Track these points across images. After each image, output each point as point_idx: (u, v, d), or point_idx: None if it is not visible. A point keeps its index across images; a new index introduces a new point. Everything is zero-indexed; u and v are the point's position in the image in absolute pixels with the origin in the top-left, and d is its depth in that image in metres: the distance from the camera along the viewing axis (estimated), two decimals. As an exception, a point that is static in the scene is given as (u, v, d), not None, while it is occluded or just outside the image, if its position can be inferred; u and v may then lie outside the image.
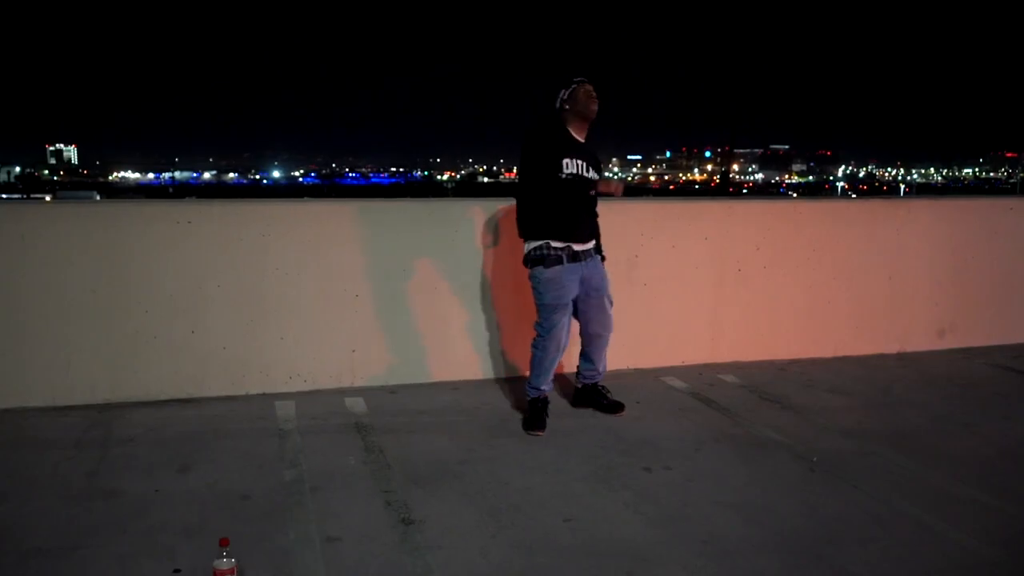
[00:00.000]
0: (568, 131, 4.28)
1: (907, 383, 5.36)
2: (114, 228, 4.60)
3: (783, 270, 5.72)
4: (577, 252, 4.26)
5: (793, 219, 5.76)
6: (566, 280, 4.24)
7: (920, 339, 6.17)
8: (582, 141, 4.30)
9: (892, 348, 6.09)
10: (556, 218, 4.21)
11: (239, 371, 4.81)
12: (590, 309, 4.42)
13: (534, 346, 4.40)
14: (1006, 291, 6.42)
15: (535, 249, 4.25)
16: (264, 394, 4.81)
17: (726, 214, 5.64)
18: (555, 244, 4.21)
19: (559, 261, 4.21)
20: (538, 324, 4.36)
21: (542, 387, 4.43)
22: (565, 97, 4.26)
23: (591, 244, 4.36)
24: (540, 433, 4.29)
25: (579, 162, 4.22)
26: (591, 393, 4.70)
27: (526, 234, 4.29)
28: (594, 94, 4.25)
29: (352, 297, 4.94)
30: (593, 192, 4.31)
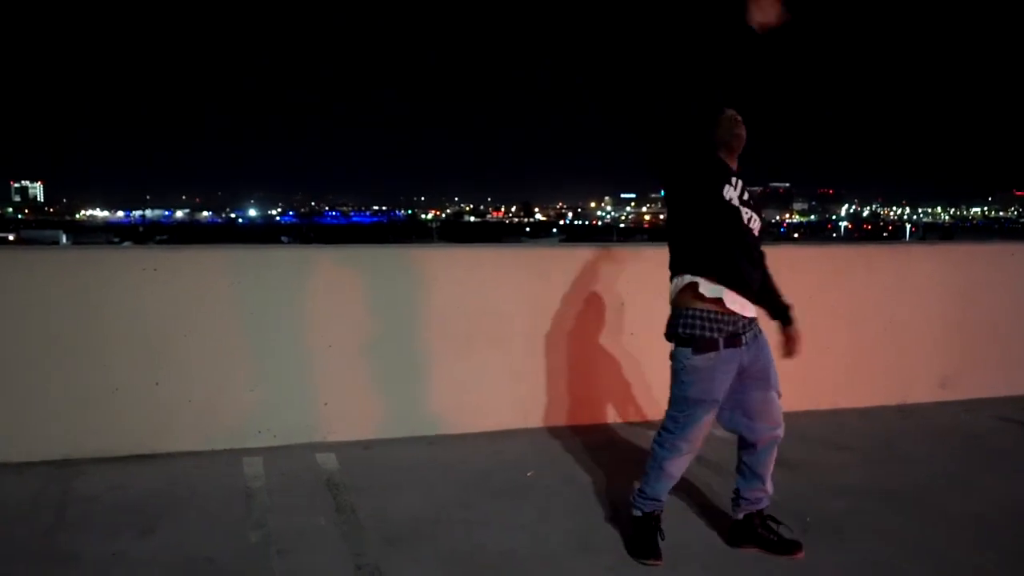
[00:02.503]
0: (721, 157, 3.48)
1: (908, 437, 5.40)
2: (76, 275, 4.63)
3: (777, 318, 5.71)
4: (737, 329, 3.42)
5: (788, 265, 5.72)
6: (719, 372, 3.43)
7: (921, 390, 6.22)
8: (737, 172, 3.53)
9: (892, 400, 6.13)
10: (715, 247, 3.41)
11: (206, 425, 4.80)
12: (752, 401, 3.56)
13: (658, 443, 3.58)
14: (1010, 340, 6.49)
15: (684, 322, 3.43)
16: (231, 450, 4.80)
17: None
18: (708, 307, 3.40)
19: (713, 346, 3.39)
20: (670, 416, 3.55)
21: (660, 497, 3.62)
22: (707, 125, 3.51)
23: (754, 312, 3.52)
24: (658, 563, 3.52)
25: (740, 192, 3.45)
26: (755, 526, 3.70)
27: (674, 267, 3.55)
28: (739, 119, 3.48)
29: (325, 347, 4.97)
30: (758, 234, 3.54)
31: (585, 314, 5.41)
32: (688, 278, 3.43)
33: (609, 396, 5.53)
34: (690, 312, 3.42)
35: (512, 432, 5.27)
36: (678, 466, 3.57)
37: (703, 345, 3.38)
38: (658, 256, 5.64)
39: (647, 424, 5.50)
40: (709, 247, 3.40)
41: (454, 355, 5.20)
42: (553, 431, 5.33)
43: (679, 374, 3.47)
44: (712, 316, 3.40)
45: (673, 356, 3.51)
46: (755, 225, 3.48)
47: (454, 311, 5.18)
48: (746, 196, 3.45)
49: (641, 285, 5.50)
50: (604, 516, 4.02)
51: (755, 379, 3.51)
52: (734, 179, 3.44)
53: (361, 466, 4.61)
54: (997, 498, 4.36)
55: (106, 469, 4.48)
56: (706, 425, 3.50)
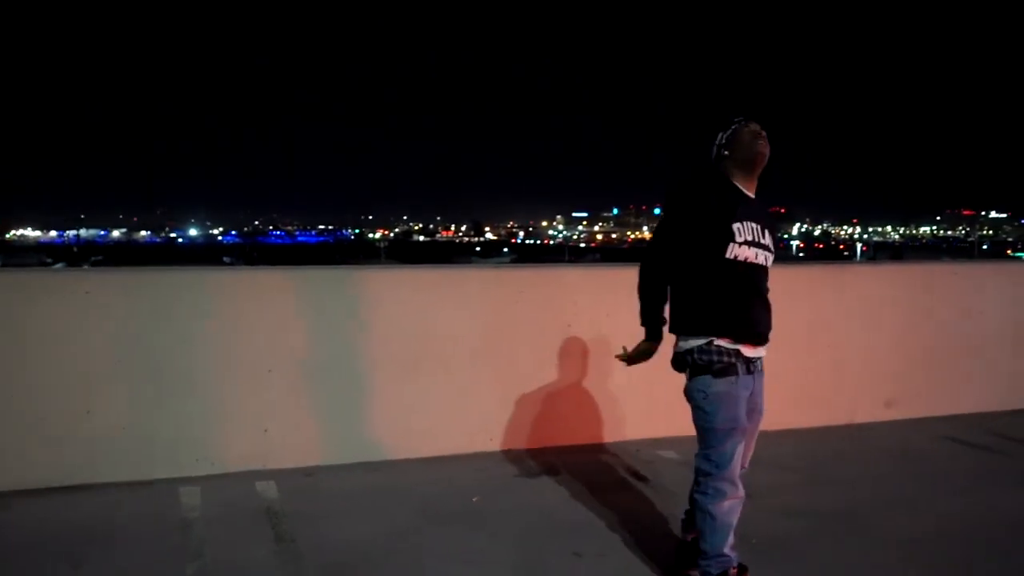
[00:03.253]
0: (735, 184, 3.38)
1: (853, 458, 5.51)
2: (1, 299, 4.55)
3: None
4: (750, 359, 3.36)
5: None
6: (741, 398, 3.31)
7: (867, 410, 6.36)
8: (752, 197, 3.41)
9: (838, 420, 6.26)
10: (725, 306, 3.28)
11: (140, 454, 4.74)
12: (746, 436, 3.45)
13: (700, 492, 3.36)
14: (953, 359, 6.67)
15: (699, 350, 3.29)
16: (168, 479, 4.74)
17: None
18: (723, 344, 3.28)
19: (733, 370, 3.28)
20: (704, 457, 3.35)
21: (725, 551, 3.36)
22: (723, 141, 3.40)
23: (764, 349, 3.43)
24: None
25: (753, 226, 3.31)
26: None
27: (679, 327, 3.38)
28: (763, 133, 3.34)
29: (265, 372, 4.94)
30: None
31: (535, 335, 5.46)
32: (695, 342, 3.30)
33: (562, 418, 5.57)
34: (705, 342, 3.28)
35: (462, 457, 5.27)
36: (730, 511, 3.34)
37: (723, 370, 3.25)
38: (608, 276, 5.77)
39: (601, 447, 5.55)
40: (720, 308, 3.27)
41: (400, 378, 5.19)
42: (506, 455, 5.34)
43: (702, 406, 3.29)
44: (728, 350, 3.29)
45: (690, 390, 3.34)
46: (768, 259, 3.36)
47: (400, 333, 5.19)
48: (760, 228, 3.31)
49: (592, 305, 5.57)
50: (556, 544, 4.04)
51: (752, 409, 3.44)
52: (747, 210, 3.30)
53: (303, 494, 4.58)
54: (942, 519, 4.47)
55: (33, 502, 4.40)
56: (739, 456, 3.34)
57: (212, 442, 4.87)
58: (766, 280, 3.41)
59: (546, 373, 5.50)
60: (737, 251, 3.25)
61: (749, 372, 3.33)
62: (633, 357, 3.50)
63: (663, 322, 3.41)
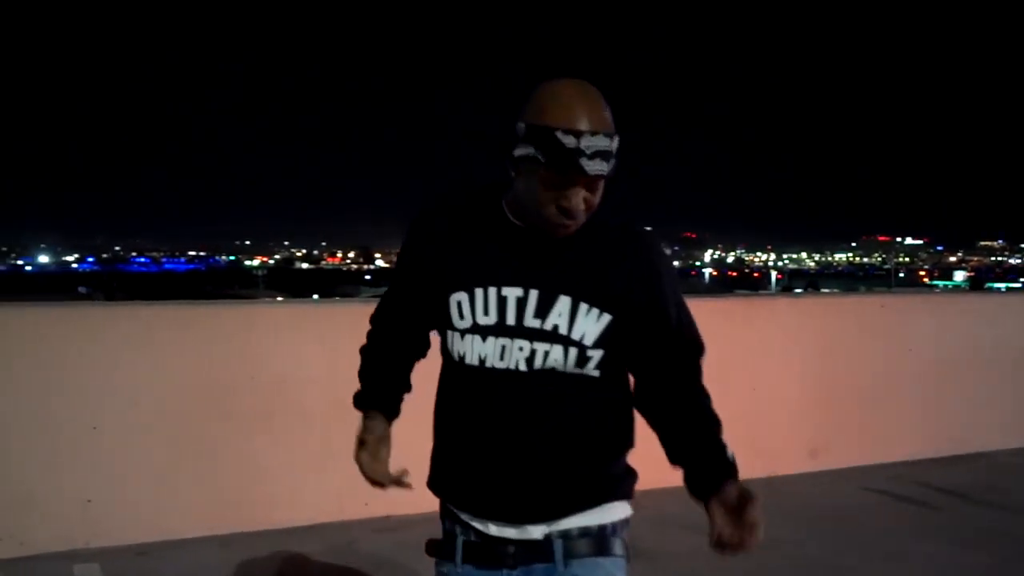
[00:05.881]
0: (502, 206, 1.95)
1: (772, 516, 5.30)
2: None
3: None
4: (493, 540, 1.99)
5: None
6: None
7: (790, 460, 6.25)
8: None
9: (757, 472, 6.11)
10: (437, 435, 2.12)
11: None
12: None
13: None
14: (882, 401, 6.64)
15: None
16: None
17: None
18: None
19: (448, 553, 2.05)
20: None
21: None
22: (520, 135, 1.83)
23: (540, 527, 1.97)
24: None
25: (508, 293, 1.91)
26: None
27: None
28: (580, 92, 1.82)
29: (88, 430, 4.60)
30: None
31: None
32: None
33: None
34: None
35: (325, 527, 4.94)
36: None
37: (435, 549, 2.11)
38: None
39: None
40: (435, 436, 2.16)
41: (250, 434, 4.89)
42: (375, 523, 5.02)
43: None
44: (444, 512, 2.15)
45: None
46: (538, 357, 1.92)
47: (248, 381, 4.90)
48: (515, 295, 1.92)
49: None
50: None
51: None
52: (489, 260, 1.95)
53: (131, 579, 4.22)
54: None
55: None
56: None
57: (19, 516, 4.49)
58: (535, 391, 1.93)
59: (416, 424, 5.20)
60: (460, 327, 1.95)
61: (490, 562, 1.98)
62: None
63: None
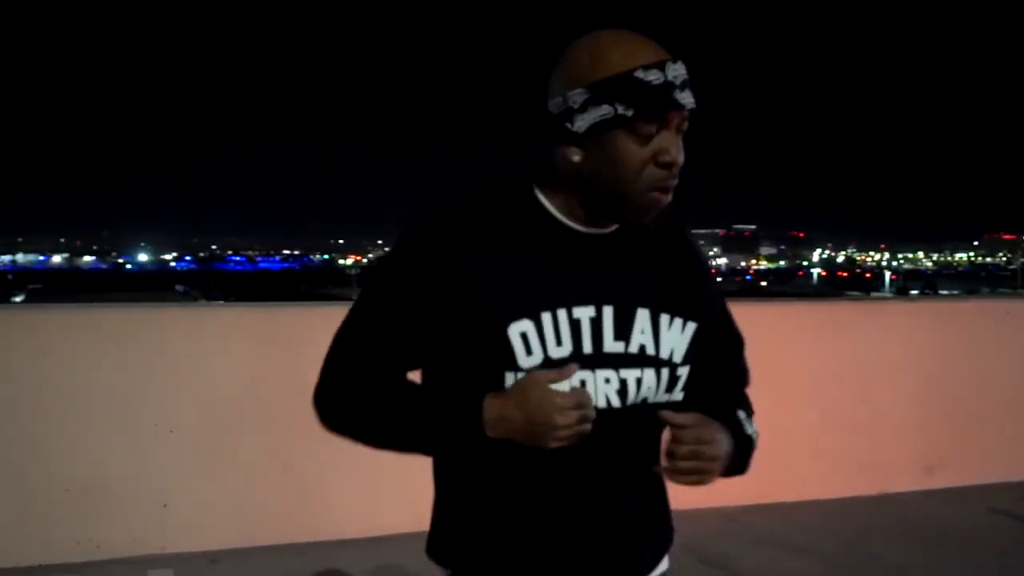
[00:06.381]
0: (546, 207, 1.62)
1: (884, 536, 5.20)
2: None
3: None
4: None
5: (741, 325, 5.56)
6: None
7: (903, 477, 6.02)
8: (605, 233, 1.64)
9: (869, 489, 5.90)
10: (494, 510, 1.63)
11: (6, 537, 4.42)
12: None
13: None
14: (1008, 414, 6.34)
15: None
16: (40, 566, 4.42)
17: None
18: None
19: None
20: None
21: None
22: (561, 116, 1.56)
23: None
24: None
25: (580, 315, 1.58)
26: None
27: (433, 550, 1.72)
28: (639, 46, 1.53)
29: (165, 433, 4.62)
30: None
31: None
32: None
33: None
34: None
35: (407, 537, 4.89)
36: None
37: None
38: None
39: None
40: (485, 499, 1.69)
41: (330, 440, 4.75)
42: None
43: None
44: None
45: None
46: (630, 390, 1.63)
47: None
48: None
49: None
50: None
51: None
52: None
53: (204, 587, 4.28)
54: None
55: None
56: None
57: (95, 521, 4.52)
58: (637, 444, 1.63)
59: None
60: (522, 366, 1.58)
61: None
62: None
63: None
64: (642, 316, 1.61)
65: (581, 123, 1.51)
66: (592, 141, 1.52)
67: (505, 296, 1.53)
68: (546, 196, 1.60)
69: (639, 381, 1.59)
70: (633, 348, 1.60)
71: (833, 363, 5.86)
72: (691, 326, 1.66)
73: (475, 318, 1.54)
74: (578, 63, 1.52)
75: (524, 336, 1.53)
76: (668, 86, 1.49)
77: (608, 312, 1.58)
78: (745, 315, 5.64)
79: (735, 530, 5.17)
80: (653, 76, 1.48)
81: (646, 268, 1.65)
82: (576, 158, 1.54)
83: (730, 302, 1.89)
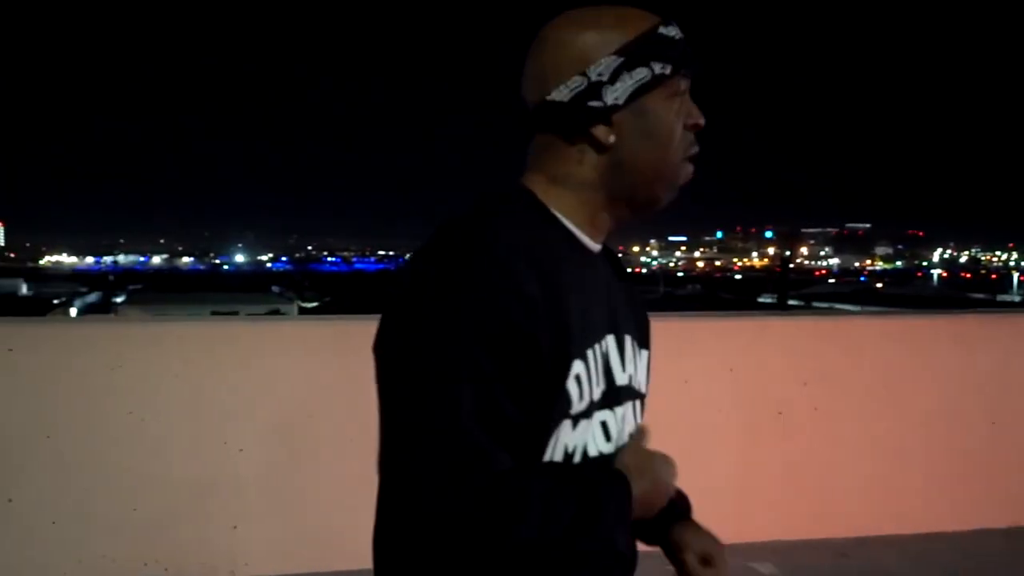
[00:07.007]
0: (572, 232, 1.44)
1: (1013, 575, 4.92)
2: None
3: (841, 414, 5.31)
4: None
5: (851, 341, 5.44)
6: None
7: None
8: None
9: (998, 521, 5.59)
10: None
11: (67, 557, 4.39)
12: None
13: None
14: None
15: None
16: None
17: (757, 335, 5.32)
18: None
19: None
20: None
21: None
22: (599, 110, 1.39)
23: None
24: None
25: (607, 347, 1.44)
26: None
27: None
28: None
29: (235, 452, 4.58)
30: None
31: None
32: None
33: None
34: None
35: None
36: None
37: None
38: (673, 328, 5.26)
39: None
40: None
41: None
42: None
43: None
44: None
45: None
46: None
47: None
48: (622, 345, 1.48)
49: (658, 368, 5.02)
50: None
51: None
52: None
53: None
54: None
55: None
56: None
57: (163, 542, 4.50)
58: None
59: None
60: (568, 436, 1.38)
61: None
62: None
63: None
64: (629, 344, 1.50)
65: (618, 93, 1.37)
66: (624, 116, 1.38)
67: (575, 335, 1.34)
68: (559, 210, 1.42)
69: (635, 418, 1.52)
70: (631, 380, 1.50)
71: (956, 383, 5.58)
72: (645, 354, 1.58)
73: (546, 365, 1.30)
74: (591, 34, 1.38)
75: (578, 379, 1.35)
76: (685, 40, 1.43)
77: (612, 341, 1.45)
78: (858, 328, 5.23)
79: (849, 565, 4.97)
80: (674, 31, 1.41)
81: (619, 291, 1.52)
82: (611, 138, 1.39)
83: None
